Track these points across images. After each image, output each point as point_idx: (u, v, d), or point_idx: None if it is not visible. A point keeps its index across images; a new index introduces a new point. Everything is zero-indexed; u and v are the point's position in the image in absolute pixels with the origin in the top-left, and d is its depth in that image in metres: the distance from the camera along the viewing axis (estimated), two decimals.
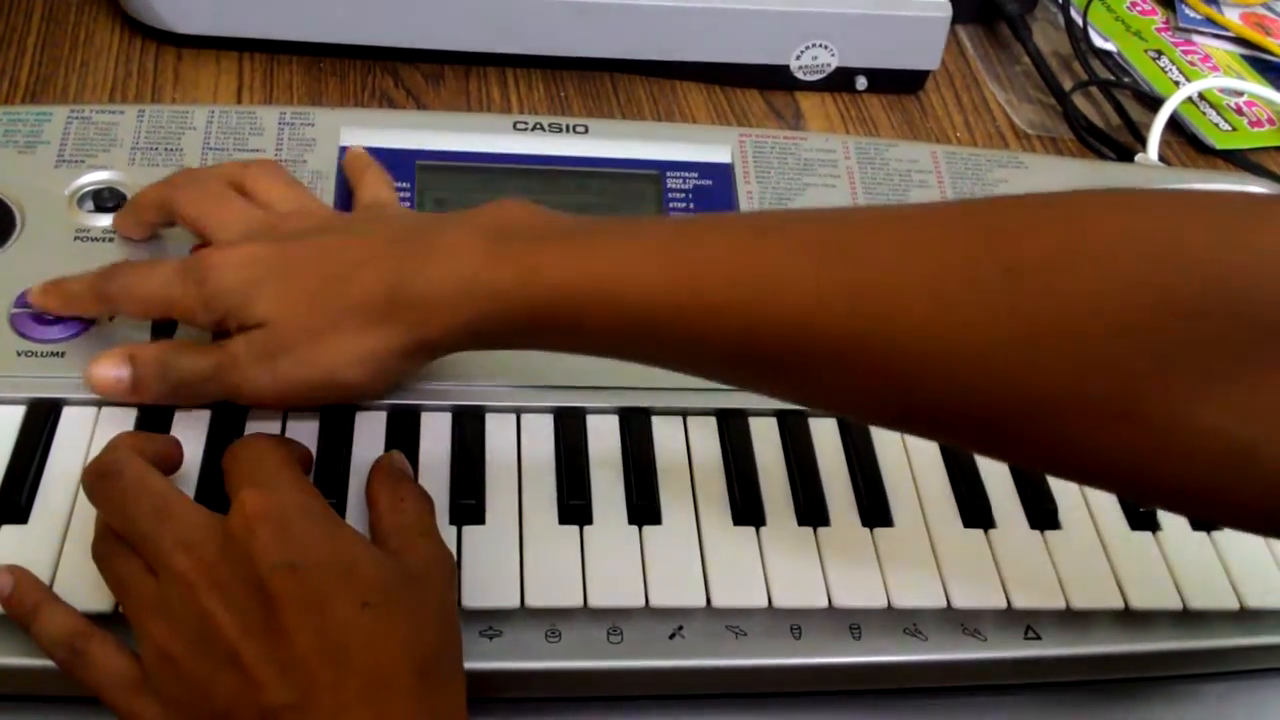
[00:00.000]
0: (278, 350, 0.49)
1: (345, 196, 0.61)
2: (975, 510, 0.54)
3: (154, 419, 0.52)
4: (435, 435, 0.54)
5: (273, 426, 0.53)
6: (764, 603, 0.50)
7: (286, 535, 0.42)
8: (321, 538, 0.44)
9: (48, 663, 0.45)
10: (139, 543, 0.44)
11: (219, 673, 0.41)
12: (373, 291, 0.48)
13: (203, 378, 0.51)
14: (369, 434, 0.53)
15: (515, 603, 0.48)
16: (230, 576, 0.42)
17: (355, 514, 0.50)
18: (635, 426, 0.55)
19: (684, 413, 0.56)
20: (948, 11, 0.81)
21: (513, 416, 0.55)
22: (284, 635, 0.41)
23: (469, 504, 0.51)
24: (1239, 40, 0.94)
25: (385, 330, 0.48)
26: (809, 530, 0.53)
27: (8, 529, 0.48)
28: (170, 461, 0.49)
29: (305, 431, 0.53)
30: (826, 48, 0.82)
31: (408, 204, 0.62)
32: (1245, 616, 0.53)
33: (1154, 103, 0.85)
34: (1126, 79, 0.90)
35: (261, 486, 0.44)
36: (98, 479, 0.46)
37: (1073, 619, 0.52)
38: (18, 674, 0.46)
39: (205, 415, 0.53)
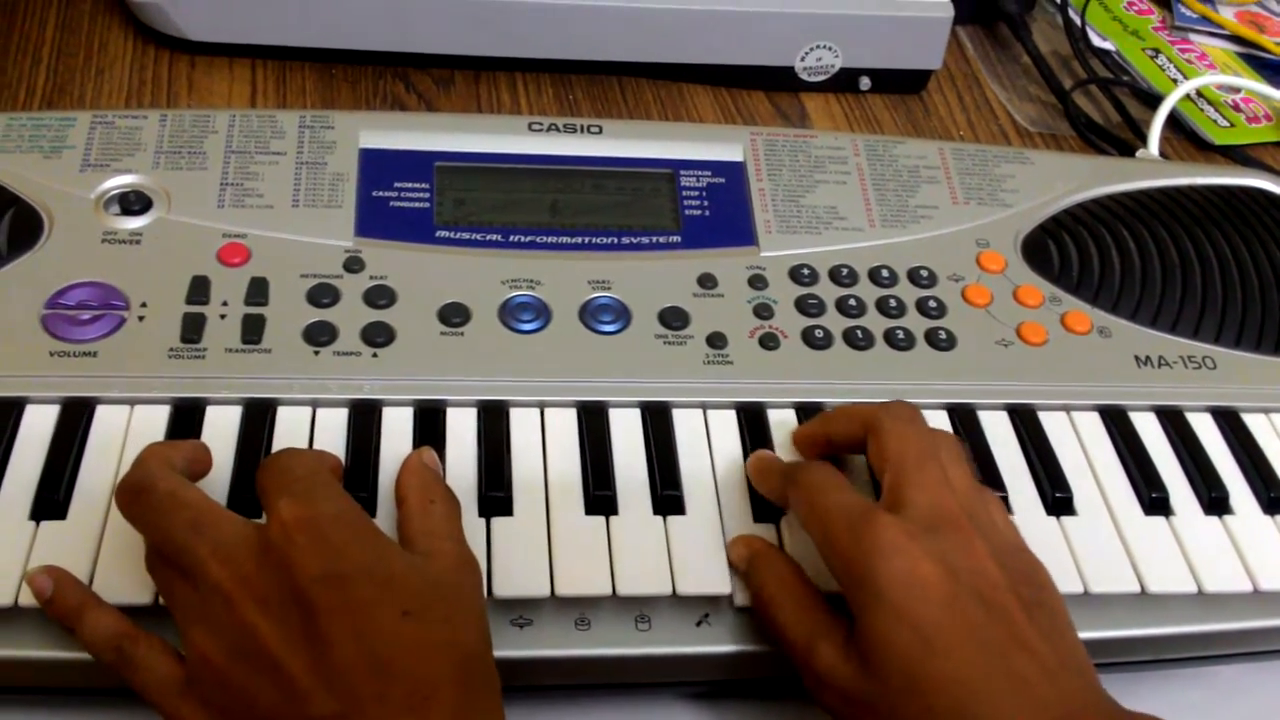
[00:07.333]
0: None
1: (366, 200, 0.62)
2: None
3: (184, 420, 0.53)
4: (461, 430, 0.54)
5: (302, 416, 0.54)
6: None
7: (325, 545, 0.43)
8: (360, 547, 0.44)
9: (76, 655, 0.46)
10: (176, 556, 0.44)
11: (261, 681, 0.41)
12: None
13: None
14: (396, 430, 0.54)
15: (545, 592, 0.49)
16: (269, 587, 0.42)
17: (384, 510, 0.51)
18: (657, 420, 0.56)
19: (704, 406, 0.57)
20: (950, 11, 0.82)
21: (536, 411, 0.56)
22: (326, 646, 0.41)
23: (497, 496, 0.52)
24: (1235, 38, 0.96)
25: None
26: None
27: (47, 525, 0.48)
28: (200, 467, 0.50)
29: (334, 425, 0.54)
30: (830, 49, 0.83)
31: (426, 204, 0.62)
32: (1259, 599, 0.54)
33: (1153, 100, 0.86)
34: (1125, 77, 0.91)
35: (298, 496, 0.44)
36: (130, 495, 0.46)
37: (1091, 603, 0.53)
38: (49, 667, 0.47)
39: (235, 414, 0.53)
